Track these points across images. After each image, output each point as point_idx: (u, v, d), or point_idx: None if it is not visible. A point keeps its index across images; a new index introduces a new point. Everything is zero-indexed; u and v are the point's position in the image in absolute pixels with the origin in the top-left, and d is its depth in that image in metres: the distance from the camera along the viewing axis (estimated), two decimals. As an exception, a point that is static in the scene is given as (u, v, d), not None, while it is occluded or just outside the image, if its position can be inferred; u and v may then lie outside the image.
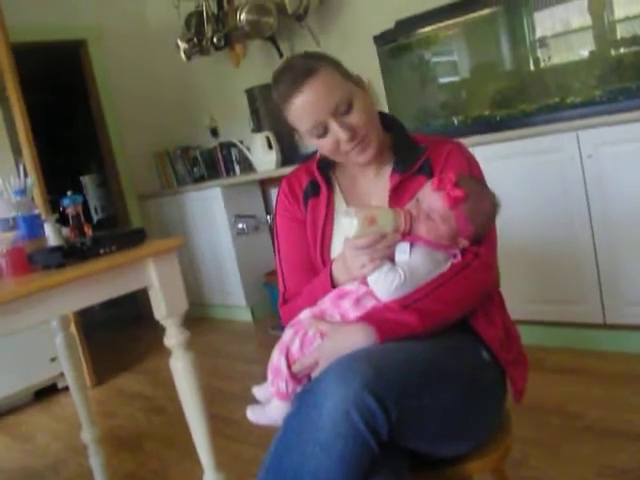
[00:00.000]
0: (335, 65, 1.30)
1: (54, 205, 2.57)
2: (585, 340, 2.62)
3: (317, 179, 1.42)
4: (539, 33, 2.66)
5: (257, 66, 4.15)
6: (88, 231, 1.92)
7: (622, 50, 2.48)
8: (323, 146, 1.32)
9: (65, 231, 1.90)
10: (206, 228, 4.35)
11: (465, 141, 1.42)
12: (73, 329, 2.69)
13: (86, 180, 6.60)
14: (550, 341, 2.70)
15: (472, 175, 1.31)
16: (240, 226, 4.15)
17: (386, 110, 3.21)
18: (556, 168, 2.50)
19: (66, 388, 3.06)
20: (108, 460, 2.33)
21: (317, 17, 3.73)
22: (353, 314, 1.18)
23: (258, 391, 1.27)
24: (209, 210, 4.26)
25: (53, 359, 3.30)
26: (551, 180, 2.53)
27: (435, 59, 3.13)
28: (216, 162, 4.55)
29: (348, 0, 3.61)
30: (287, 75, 1.27)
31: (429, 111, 3.17)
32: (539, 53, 2.68)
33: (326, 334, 1.16)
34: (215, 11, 3.98)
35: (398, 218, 1.19)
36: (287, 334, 1.21)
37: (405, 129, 1.42)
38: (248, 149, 4.02)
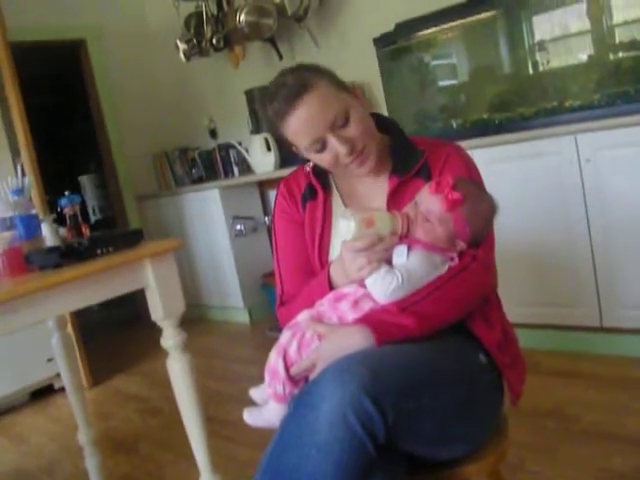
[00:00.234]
0: (329, 77, 1.29)
1: (52, 205, 2.56)
2: (582, 343, 2.62)
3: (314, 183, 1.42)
4: (538, 37, 2.66)
5: (256, 67, 4.15)
6: (85, 231, 1.92)
7: (620, 54, 2.49)
8: (322, 160, 1.32)
9: (62, 231, 1.89)
10: (204, 229, 4.34)
11: (463, 144, 1.42)
12: (70, 330, 2.69)
13: (84, 180, 6.60)
14: (547, 344, 2.70)
15: (470, 178, 1.31)
16: (238, 227, 4.15)
17: (385, 113, 3.22)
18: (554, 172, 2.50)
19: (62, 389, 3.05)
20: (104, 462, 2.32)
21: (317, 19, 3.73)
22: (351, 316, 1.18)
23: (255, 393, 1.27)
24: (207, 211, 4.25)
25: (50, 360, 3.29)
26: (549, 184, 2.54)
27: (434, 62, 3.13)
28: (214, 163, 4.55)
29: (348, 2, 3.61)
30: (281, 92, 1.25)
31: (428, 114, 3.17)
32: (538, 57, 2.69)
33: (324, 336, 1.15)
34: (215, 12, 3.98)
35: (396, 221, 1.19)
36: (285, 336, 1.21)
37: (403, 132, 1.42)
38: (247, 150, 4.02)
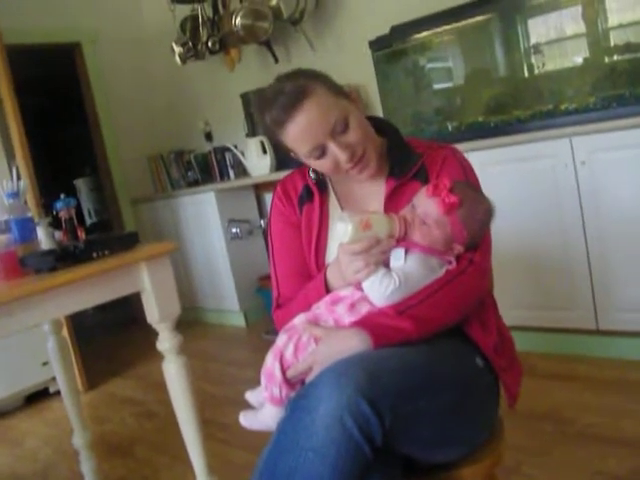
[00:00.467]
0: (326, 82, 1.28)
1: (47, 208, 2.56)
2: (577, 346, 2.62)
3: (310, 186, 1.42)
4: (533, 40, 2.67)
5: (252, 71, 4.15)
6: (81, 235, 1.92)
7: (616, 57, 2.50)
8: (322, 166, 1.31)
9: (58, 235, 1.89)
10: (200, 232, 4.34)
11: (459, 147, 1.42)
12: (65, 333, 2.68)
13: (80, 183, 6.59)
14: (542, 347, 2.71)
15: (467, 181, 1.31)
16: (234, 230, 4.14)
17: (381, 115, 3.22)
18: (550, 174, 2.51)
19: (58, 392, 3.03)
20: (99, 466, 2.32)
21: (312, 22, 3.74)
22: (347, 319, 1.18)
23: (251, 396, 1.26)
24: (203, 214, 4.25)
25: (45, 363, 3.28)
26: (545, 186, 2.54)
27: (430, 65, 3.13)
28: (210, 166, 4.54)
29: (344, 5, 3.62)
30: (279, 100, 1.23)
31: (424, 116, 3.17)
32: (533, 60, 2.69)
33: (320, 339, 1.15)
34: (210, 15, 3.98)
35: (393, 224, 1.19)
36: (281, 339, 1.20)
37: (400, 134, 1.41)
38: (242, 154, 4.02)
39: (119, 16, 4.75)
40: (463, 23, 2.84)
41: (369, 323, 1.13)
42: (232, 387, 3.08)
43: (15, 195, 1.83)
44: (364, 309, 1.18)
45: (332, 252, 1.33)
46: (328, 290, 1.27)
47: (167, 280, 1.62)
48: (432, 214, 1.20)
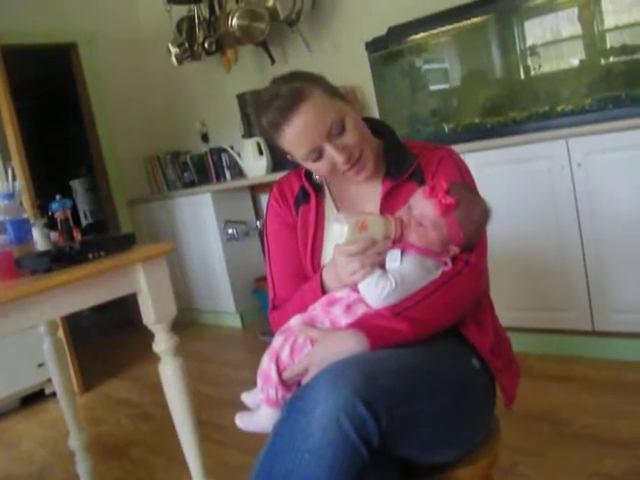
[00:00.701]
0: (323, 84, 1.28)
1: (43, 209, 2.55)
2: (574, 347, 2.63)
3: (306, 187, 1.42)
4: (530, 41, 2.67)
5: (248, 72, 4.15)
6: (77, 236, 1.91)
7: (612, 59, 2.50)
8: (319, 169, 1.31)
9: (54, 236, 1.88)
10: (196, 233, 4.33)
11: (455, 148, 1.42)
12: (61, 334, 2.68)
13: (76, 184, 6.57)
14: (539, 348, 2.71)
15: (463, 182, 1.31)
16: (230, 232, 4.14)
17: (377, 117, 3.22)
18: (546, 176, 2.51)
19: (53, 394, 3.03)
20: (95, 467, 2.31)
21: (309, 23, 3.74)
22: (344, 321, 1.17)
23: (247, 397, 1.26)
24: (199, 215, 4.24)
25: (40, 365, 3.27)
26: (541, 188, 2.54)
27: (426, 66, 3.14)
28: (206, 167, 4.54)
29: (340, 6, 3.62)
30: (275, 103, 1.23)
31: (420, 118, 3.18)
32: (529, 61, 2.70)
33: (316, 341, 1.15)
34: (207, 16, 3.98)
35: (389, 225, 1.18)
36: (277, 340, 1.20)
37: (396, 135, 1.41)
38: (239, 155, 4.02)
39: (115, 17, 4.74)
40: (460, 25, 2.84)
41: (365, 324, 1.13)
42: (228, 388, 3.08)
43: (10, 196, 1.83)
44: (360, 310, 1.18)
45: (328, 253, 1.33)
46: (324, 291, 1.27)
47: (163, 281, 1.62)
48: (428, 215, 1.19)
